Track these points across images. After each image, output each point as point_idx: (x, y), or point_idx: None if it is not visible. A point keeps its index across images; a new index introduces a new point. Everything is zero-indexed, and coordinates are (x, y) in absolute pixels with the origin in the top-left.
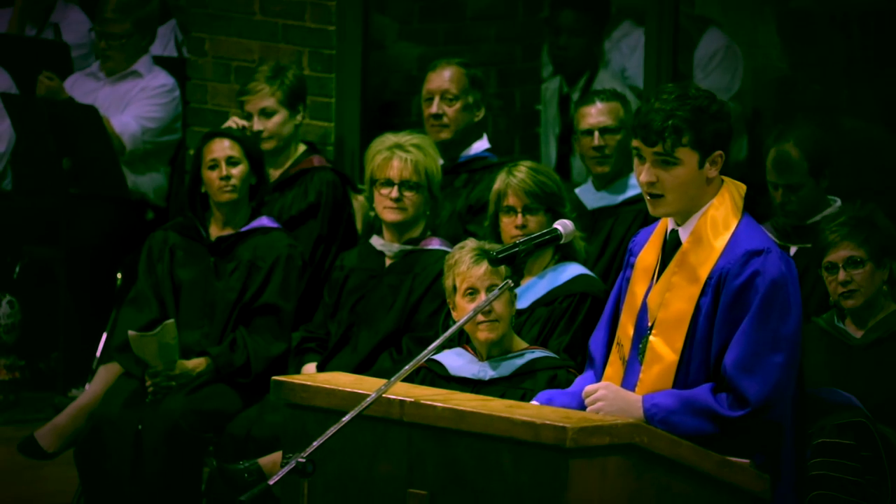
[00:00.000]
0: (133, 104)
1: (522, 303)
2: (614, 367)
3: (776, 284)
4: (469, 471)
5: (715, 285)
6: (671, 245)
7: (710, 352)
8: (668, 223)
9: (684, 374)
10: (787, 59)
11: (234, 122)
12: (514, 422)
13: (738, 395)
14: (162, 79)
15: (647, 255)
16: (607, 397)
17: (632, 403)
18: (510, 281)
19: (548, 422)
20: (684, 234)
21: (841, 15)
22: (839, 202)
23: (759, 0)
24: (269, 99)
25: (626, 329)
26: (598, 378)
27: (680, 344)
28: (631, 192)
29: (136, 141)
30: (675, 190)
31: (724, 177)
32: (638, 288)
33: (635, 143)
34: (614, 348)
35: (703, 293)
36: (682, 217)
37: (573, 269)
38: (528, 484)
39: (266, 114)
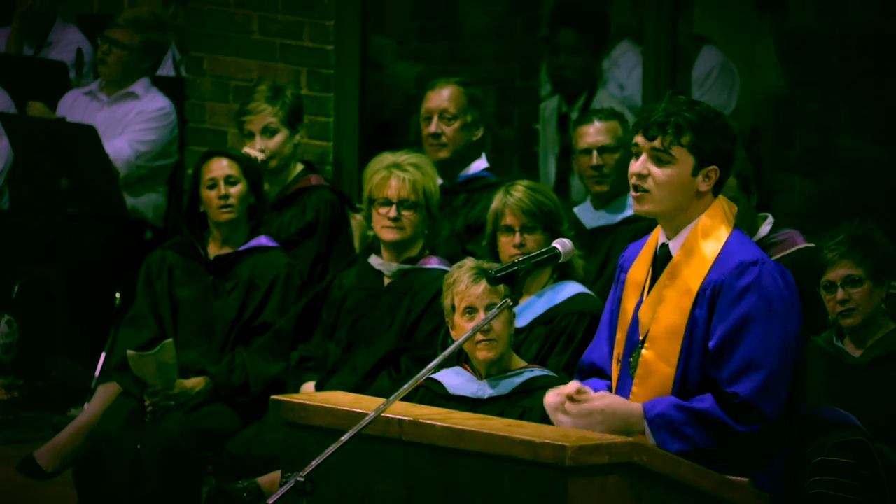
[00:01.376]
0: (128, 128)
1: (521, 321)
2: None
3: (775, 296)
4: (468, 490)
5: (710, 297)
6: (662, 259)
7: (707, 362)
8: (658, 237)
9: (683, 387)
10: (785, 78)
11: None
12: (513, 441)
13: (753, 410)
14: (159, 102)
15: (638, 269)
16: (605, 414)
17: (631, 414)
18: (509, 300)
19: (547, 441)
20: (675, 246)
21: (839, 33)
22: (771, 217)
23: (757, 18)
24: (271, 118)
25: (620, 345)
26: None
27: (675, 357)
28: (629, 212)
29: (130, 166)
30: (662, 188)
31: (720, 195)
32: (629, 303)
33: (636, 139)
34: (613, 364)
35: (696, 304)
36: (673, 230)
37: (572, 288)
38: (527, 503)
39: (269, 132)
